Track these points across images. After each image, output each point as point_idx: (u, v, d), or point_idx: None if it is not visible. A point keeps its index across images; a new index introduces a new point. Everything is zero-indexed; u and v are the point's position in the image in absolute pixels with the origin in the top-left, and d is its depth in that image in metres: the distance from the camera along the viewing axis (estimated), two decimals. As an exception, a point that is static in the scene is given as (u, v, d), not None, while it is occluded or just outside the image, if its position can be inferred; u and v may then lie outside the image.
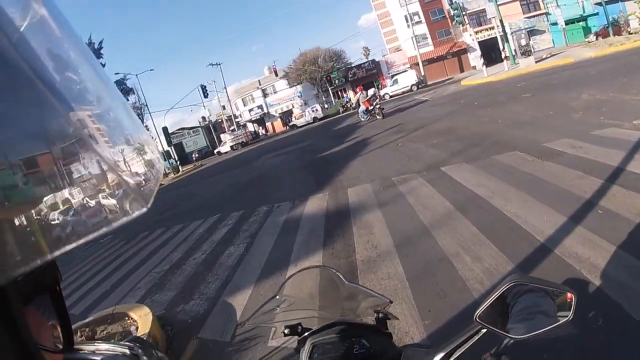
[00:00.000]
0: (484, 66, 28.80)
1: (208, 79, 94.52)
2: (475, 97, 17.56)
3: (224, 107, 57.41)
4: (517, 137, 8.14)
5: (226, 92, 55.47)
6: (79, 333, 4.83)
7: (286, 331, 1.32)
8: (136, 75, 52.24)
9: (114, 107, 0.47)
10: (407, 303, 3.70)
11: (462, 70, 49.15)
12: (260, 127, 59.03)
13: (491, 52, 43.17)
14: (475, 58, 44.09)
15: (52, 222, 0.35)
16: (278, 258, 5.94)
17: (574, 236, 3.96)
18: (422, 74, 44.62)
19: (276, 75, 52.98)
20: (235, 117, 56.51)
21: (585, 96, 10.14)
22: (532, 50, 27.28)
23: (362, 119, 23.46)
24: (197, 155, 51.74)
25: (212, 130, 56.96)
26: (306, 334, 1.29)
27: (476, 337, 1.02)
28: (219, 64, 52.44)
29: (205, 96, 47.91)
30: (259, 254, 6.44)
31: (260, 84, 58.74)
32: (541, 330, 0.97)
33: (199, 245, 8.27)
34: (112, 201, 0.40)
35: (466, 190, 6.06)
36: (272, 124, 58.88)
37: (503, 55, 30.30)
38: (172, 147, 44.31)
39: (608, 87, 10.39)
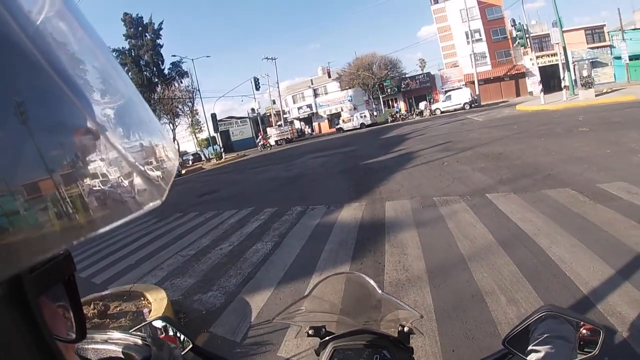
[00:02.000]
0: (542, 93, 27.58)
1: (262, 72, 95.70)
2: (530, 124, 16.90)
3: (274, 102, 58.17)
4: (570, 174, 7.66)
5: (278, 87, 55.76)
6: (92, 305, 4.85)
7: (310, 332, 1.32)
8: (192, 60, 53.62)
9: (130, 101, 0.47)
10: (430, 338, 3.45)
11: (518, 95, 47.54)
12: (307, 126, 59.29)
13: (550, 80, 41.23)
14: (533, 83, 42.15)
15: (67, 213, 0.35)
16: (303, 264, 5.80)
17: (621, 293, 3.59)
18: (477, 93, 43.51)
19: (329, 76, 52.90)
20: (284, 112, 56.87)
21: None
22: (593, 83, 25.86)
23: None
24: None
25: (260, 122, 57.68)
26: (328, 337, 1.28)
27: None
28: (274, 59, 52.97)
29: (257, 88, 48.53)
30: (285, 256, 6.32)
31: (312, 84, 58.78)
32: None
33: (227, 236, 8.27)
34: (127, 193, 0.40)
35: (511, 224, 5.70)
36: (319, 124, 58.96)
37: (562, 84, 28.87)
38: (218, 133, 45.10)
39: None
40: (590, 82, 25.09)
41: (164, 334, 1.26)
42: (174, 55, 64.31)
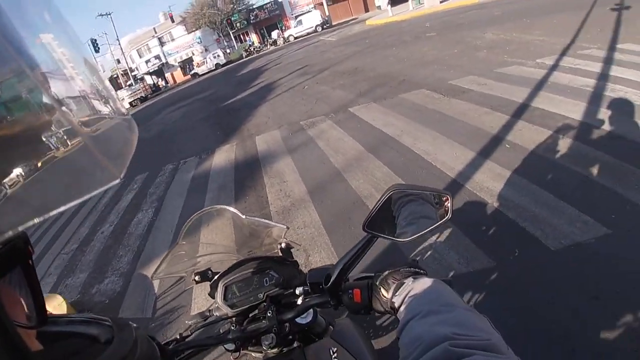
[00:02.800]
0: (389, 6, 28.36)
1: (98, 32, 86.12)
2: (380, 36, 17.59)
3: (118, 61, 53.22)
4: (423, 76, 8.24)
5: (119, 44, 50.98)
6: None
7: (196, 278, 1.33)
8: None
9: (87, 74, 0.45)
10: (325, 250, 3.67)
11: (367, 10, 48.15)
12: (160, 79, 55.48)
13: (395, -8, 42.62)
14: (380, -3, 43.38)
15: (20, 192, 0.35)
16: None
17: (484, 171, 4.10)
18: (327, 14, 43.80)
19: (172, 21, 49.57)
20: (132, 70, 52.62)
21: (489, 35, 10.40)
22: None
23: None
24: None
25: (108, 87, 52.77)
26: (216, 277, 1.31)
27: (369, 246, 1.05)
28: (109, 14, 47.90)
29: (97, 51, 43.79)
30: (169, 218, 6.16)
31: (155, 32, 54.62)
32: (424, 231, 1.02)
33: (105, 217, 7.75)
34: (84, 171, 0.39)
35: (375, 131, 6.07)
36: (172, 74, 55.63)
37: (408, -5, 30.06)
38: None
39: (512, 27, 10.68)
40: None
41: None
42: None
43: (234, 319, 1.28)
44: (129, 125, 0.48)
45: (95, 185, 0.37)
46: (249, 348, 1.25)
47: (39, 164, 0.36)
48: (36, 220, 0.34)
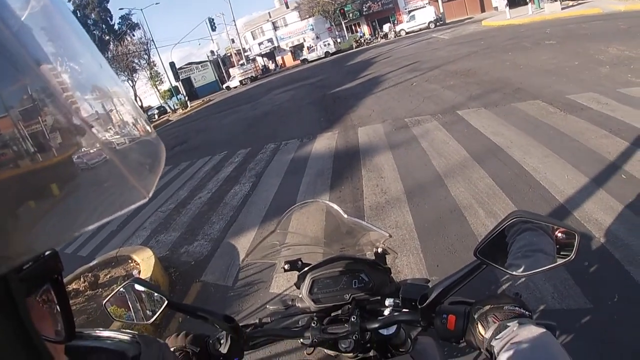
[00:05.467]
0: (507, 7, 27.00)
1: (216, 12, 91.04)
2: (496, 39, 16.70)
3: (233, 41, 55.86)
4: (540, 86, 7.67)
5: (235, 25, 53.61)
6: (82, 278, 4.81)
7: (286, 267, 1.34)
8: (141, 9, 50.67)
9: (114, 95, 0.45)
10: (414, 256, 3.56)
11: (483, 10, 45.92)
12: (270, 61, 57.57)
13: (515, -6, 40.45)
14: (497, -2, 41.38)
15: (53, 212, 0.35)
16: (283, 200, 5.82)
17: (595, 200, 3.70)
18: (441, 11, 42.44)
19: (287, 7, 50.83)
20: (245, 51, 54.96)
21: (613, 50, 9.41)
22: (559, -4, 25.35)
23: None
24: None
25: (221, 64, 55.75)
26: (306, 269, 1.30)
27: (476, 273, 1.00)
28: (227, -4, 50.41)
29: (214, 29, 46.51)
30: (264, 195, 6.35)
31: (270, 17, 56.47)
32: (541, 269, 0.93)
33: (204, 184, 8.22)
34: (111, 189, 0.40)
35: (483, 138, 5.77)
36: (282, 58, 57.37)
37: (527, -2, 28.41)
38: (180, 82, 43.51)
39: (638, 44, 9.58)
40: (555, -5, 24.56)
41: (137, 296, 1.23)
42: (121, 9, 60.76)
43: (315, 314, 1.27)
44: (157, 143, 0.48)
45: (123, 205, 0.39)
46: (325, 346, 1.24)
47: (67, 185, 0.37)
48: (68, 239, 0.35)
